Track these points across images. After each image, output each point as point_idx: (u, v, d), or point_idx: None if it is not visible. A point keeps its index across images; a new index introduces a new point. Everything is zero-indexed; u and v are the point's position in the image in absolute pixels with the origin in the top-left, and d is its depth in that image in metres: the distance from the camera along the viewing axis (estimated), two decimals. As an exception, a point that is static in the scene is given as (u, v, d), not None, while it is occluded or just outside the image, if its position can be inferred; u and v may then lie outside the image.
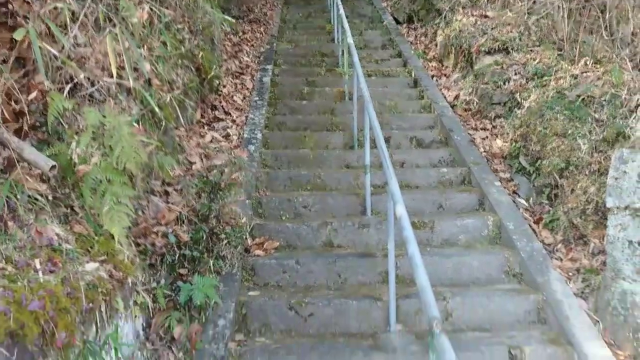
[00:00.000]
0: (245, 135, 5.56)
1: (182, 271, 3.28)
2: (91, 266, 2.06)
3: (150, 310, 2.91)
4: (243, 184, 4.59)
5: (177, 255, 3.25)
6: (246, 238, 4.04)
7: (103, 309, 2.07)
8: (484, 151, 5.34)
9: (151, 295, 3.00)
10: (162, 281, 3.16)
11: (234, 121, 5.88)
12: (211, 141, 5.27)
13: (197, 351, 3.08)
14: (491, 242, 4.27)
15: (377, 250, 4.06)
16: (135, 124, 3.54)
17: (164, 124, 4.38)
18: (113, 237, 2.30)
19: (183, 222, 3.37)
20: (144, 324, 2.78)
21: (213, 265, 3.50)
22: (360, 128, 5.66)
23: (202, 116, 5.84)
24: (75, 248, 2.03)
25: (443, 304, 3.50)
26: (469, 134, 5.74)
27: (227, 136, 5.49)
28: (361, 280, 3.85)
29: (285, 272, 3.84)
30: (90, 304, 1.94)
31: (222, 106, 6.08)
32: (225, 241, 3.68)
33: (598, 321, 3.33)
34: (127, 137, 2.21)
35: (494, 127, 5.72)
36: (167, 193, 3.47)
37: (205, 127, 5.56)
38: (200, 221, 3.42)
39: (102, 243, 2.24)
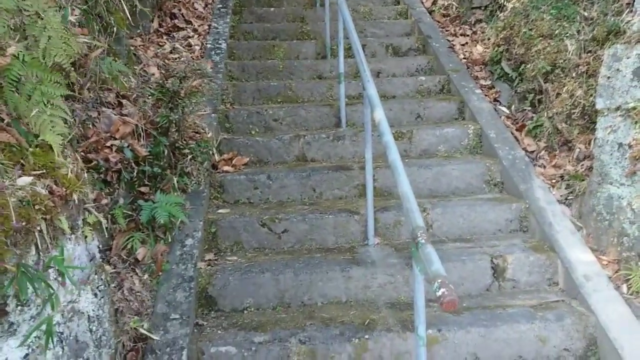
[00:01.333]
0: (209, 45, 5.09)
1: (143, 189, 2.98)
2: (24, 180, 1.75)
3: (107, 231, 2.64)
4: (207, 94, 4.22)
5: (136, 172, 2.93)
6: (213, 154, 3.74)
7: (43, 228, 1.78)
8: (464, 58, 5.01)
9: (109, 216, 2.72)
10: (121, 200, 2.86)
11: (195, 30, 5.36)
12: (171, 52, 4.79)
13: (164, 272, 2.85)
14: (471, 151, 4.05)
15: (353, 163, 3.81)
16: (77, 26, 3.09)
17: (115, 30, 3.90)
18: (52, 149, 1.97)
19: (140, 135, 3.02)
20: (101, 246, 2.51)
21: (177, 182, 3.21)
22: (333, 36, 5.25)
23: (160, 25, 5.30)
24: (1, 160, 1.70)
25: (423, 215, 3.31)
26: (447, 40, 5.37)
27: (188, 46, 5.00)
28: (337, 194, 3.63)
29: (256, 189, 3.58)
30: (24, 223, 1.64)
31: (182, 14, 5.52)
32: (189, 157, 3.37)
33: (581, 227, 3.21)
34: (56, 26, 1.82)
35: (474, 32, 5.36)
36: (120, 105, 3.08)
37: (164, 37, 5.05)
38: (159, 134, 3.08)
39: (39, 155, 1.91)
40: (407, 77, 4.96)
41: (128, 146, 2.83)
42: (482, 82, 4.64)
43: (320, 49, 5.29)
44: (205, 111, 4.09)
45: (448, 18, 5.82)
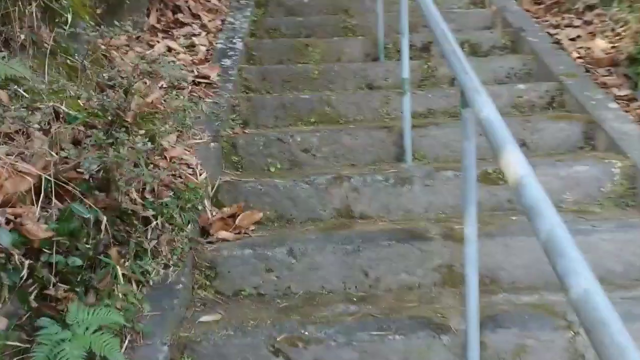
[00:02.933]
0: (219, 45, 3.71)
1: (51, 294, 1.60)
2: None
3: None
4: (205, 113, 2.83)
5: (40, 264, 1.56)
6: (205, 209, 2.33)
7: None
8: (579, 57, 3.44)
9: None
10: (2, 324, 1.48)
11: (204, 26, 3.99)
12: (165, 53, 3.44)
13: None
14: (619, 203, 2.48)
15: (429, 225, 2.30)
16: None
17: (68, 19, 2.57)
18: None
19: (51, 193, 1.65)
20: None
21: (130, 270, 1.82)
22: (387, 32, 3.80)
23: (159, 20, 3.97)
24: None
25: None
26: (548, 33, 3.82)
27: (191, 47, 3.64)
28: (404, 282, 2.14)
29: (270, 271, 2.13)
30: None
31: (189, 6, 4.18)
32: (157, 221, 1.97)
33: None
34: None
35: (586, 22, 3.78)
36: (13, 139, 1.72)
37: (161, 35, 3.71)
38: (90, 191, 1.69)
39: None
40: (495, 84, 3.43)
41: (9, 222, 1.44)
42: (616, 91, 3.05)
43: (369, 49, 3.83)
44: (200, 138, 2.70)
45: (542, 6, 4.25)
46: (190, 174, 2.37)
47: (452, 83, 3.50)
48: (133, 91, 1.87)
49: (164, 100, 2.20)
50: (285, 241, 2.18)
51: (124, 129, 1.78)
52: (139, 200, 1.88)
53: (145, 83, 2.16)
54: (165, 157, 2.34)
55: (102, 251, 1.72)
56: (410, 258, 2.13)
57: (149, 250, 1.90)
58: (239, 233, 2.30)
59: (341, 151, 2.81)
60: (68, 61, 2.63)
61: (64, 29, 2.49)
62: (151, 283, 1.90)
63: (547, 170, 2.52)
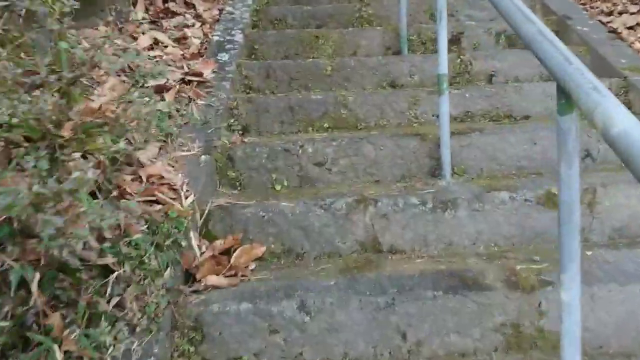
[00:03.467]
0: (216, 38, 3.17)
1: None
2: None
3: None
4: (196, 117, 2.31)
5: None
6: (189, 244, 1.79)
7: None
8: (643, 48, 2.89)
9: None
10: None
11: (198, 16, 3.45)
12: (151, 47, 2.91)
13: None
14: None
15: (484, 265, 1.77)
16: None
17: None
18: None
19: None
20: None
21: (79, 344, 1.29)
22: (415, 21, 3.27)
23: (147, 10, 3.44)
24: None
25: None
26: (600, 22, 3.25)
27: (182, 39, 3.10)
28: (456, 347, 1.61)
29: (275, 332, 1.60)
30: None
31: (182, -5, 3.65)
32: (121, 270, 1.44)
33: None
34: None
35: (645, 7, 3.22)
36: None
37: (147, 26, 3.18)
38: (12, 237, 1.17)
39: None
40: (542, 81, 2.88)
41: None
42: (697, 88, 2.51)
43: (390, 41, 3.28)
44: (188, 150, 2.16)
45: (587, -10, 3.70)
46: (172, 198, 1.83)
47: (490, 80, 2.95)
48: (74, 93, 1.34)
49: (124, 105, 1.65)
50: (296, 290, 1.64)
51: (60, 146, 1.25)
52: (93, 243, 1.34)
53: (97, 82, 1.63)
54: (140, 177, 1.80)
55: (32, 322, 1.19)
56: (462, 314, 1.59)
57: (106, 313, 1.37)
58: (234, 275, 1.76)
59: (362, 165, 2.26)
60: (22, 54, 2.11)
61: (19, 14, 1.97)
62: (110, 357, 1.36)
63: (628, 190, 1.96)
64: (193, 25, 3.30)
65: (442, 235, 1.93)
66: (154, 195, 1.75)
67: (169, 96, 2.30)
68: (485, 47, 3.25)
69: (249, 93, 2.85)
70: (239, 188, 2.21)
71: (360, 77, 2.92)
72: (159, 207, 1.73)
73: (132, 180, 1.74)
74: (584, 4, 3.52)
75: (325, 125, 2.59)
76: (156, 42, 2.93)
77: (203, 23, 3.35)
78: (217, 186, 2.18)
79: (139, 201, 1.62)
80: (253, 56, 3.22)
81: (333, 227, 1.93)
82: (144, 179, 1.81)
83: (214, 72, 2.75)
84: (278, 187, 2.21)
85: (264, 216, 1.93)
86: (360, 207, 1.95)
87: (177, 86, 2.49)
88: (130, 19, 3.20)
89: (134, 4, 3.39)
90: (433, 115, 2.59)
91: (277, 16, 3.60)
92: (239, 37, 3.17)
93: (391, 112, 2.62)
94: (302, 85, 2.92)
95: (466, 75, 2.95)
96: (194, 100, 2.48)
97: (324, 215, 1.93)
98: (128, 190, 1.61)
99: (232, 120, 2.55)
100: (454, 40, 3.27)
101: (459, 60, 2.96)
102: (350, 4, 3.65)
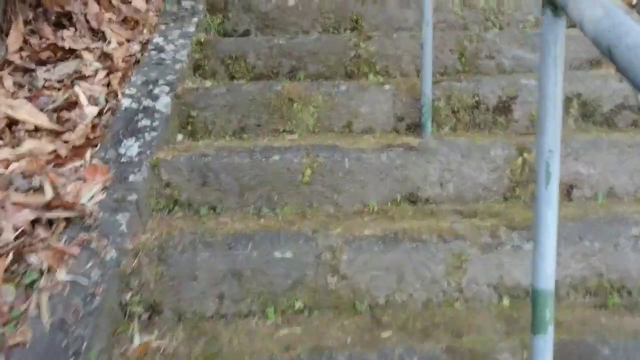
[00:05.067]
0: (125, 104, 1.92)
1: None
2: None
3: None
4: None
5: None
6: None
7: None
8: None
9: None
10: None
11: (106, 56, 2.18)
12: (2, 131, 1.68)
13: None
14: None
15: None
16: None
17: None
18: None
19: None
20: None
21: None
22: (437, 66, 2.10)
23: (28, 43, 2.16)
24: None
25: None
26: None
27: (65, 109, 1.87)
28: None
29: None
30: None
31: (86, 17, 2.35)
32: None
33: None
34: None
35: None
36: None
37: (9, 80, 1.92)
38: None
39: None
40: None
41: None
42: None
43: (404, 107, 2.08)
44: None
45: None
46: None
47: (568, 194, 1.80)
48: None
49: None
50: None
51: None
52: None
53: None
54: None
55: None
56: None
57: None
58: None
59: None
60: None
61: None
62: None
63: None
64: (93, 75, 2.05)
65: None
66: None
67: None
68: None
69: (164, 233, 1.65)
70: None
71: (360, 186, 1.75)
72: None
73: None
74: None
75: (297, 305, 1.42)
76: (10, 122, 1.70)
77: (111, 70, 2.09)
78: None
79: None
80: (186, 136, 2.00)
81: None
82: None
83: (105, 189, 1.54)
84: None
85: None
86: None
87: (9, 245, 1.29)
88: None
89: (6, 33, 2.13)
90: (488, 286, 1.45)
91: (233, 53, 2.35)
92: (164, 101, 1.94)
93: (415, 279, 1.46)
94: (262, 197, 1.73)
95: (531, 185, 1.79)
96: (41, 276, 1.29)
97: None
98: None
99: (128, 297, 1.37)
100: (501, 109, 2.09)
101: (520, 158, 1.79)
102: (343, 36, 2.42)
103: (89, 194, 1.49)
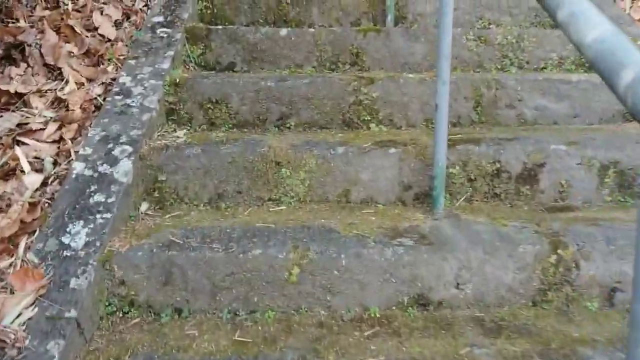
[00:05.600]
0: (77, 169, 1.58)
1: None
2: None
3: None
4: None
5: None
6: None
7: None
8: None
9: None
10: None
11: (59, 102, 1.84)
12: None
13: None
14: None
15: None
16: None
17: None
18: None
19: None
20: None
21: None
22: (456, 115, 1.77)
23: (-34, 85, 1.80)
24: None
25: None
26: None
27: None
28: None
29: None
30: None
31: (41, 48, 2.00)
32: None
33: None
34: None
35: None
36: None
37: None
38: None
39: None
40: None
41: None
42: None
43: (412, 173, 1.74)
44: None
45: None
46: None
47: (610, 299, 1.49)
48: None
49: None
50: None
51: None
52: None
53: None
54: None
55: None
56: None
57: None
58: None
59: None
60: None
61: None
62: None
63: None
64: (42, 127, 1.70)
65: None
66: None
67: None
68: (583, 195, 1.77)
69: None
70: None
71: (359, 287, 1.42)
72: None
73: None
74: None
75: None
76: None
77: (63, 123, 1.74)
78: None
79: None
80: (153, 204, 1.67)
81: None
82: None
83: (37, 301, 1.21)
84: None
85: None
86: None
87: None
88: None
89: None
90: None
91: (213, 96, 2.00)
92: (124, 166, 1.60)
93: None
94: (239, 299, 1.41)
95: (566, 287, 1.47)
96: None
97: None
98: None
99: None
100: (525, 177, 1.77)
101: (554, 255, 1.47)
102: (342, 78, 2.07)
103: (15, 310, 1.16)
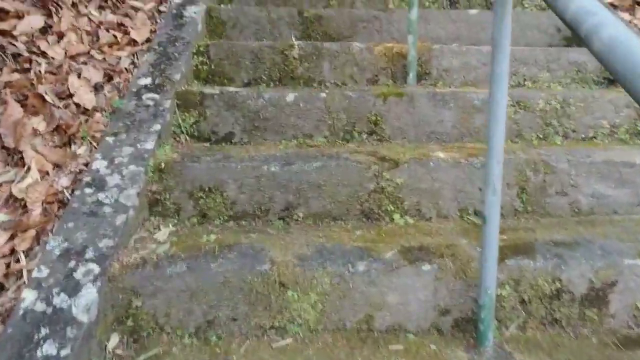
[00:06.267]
0: (24, 305, 1.25)
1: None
2: None
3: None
4: None
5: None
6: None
7: None
8: None
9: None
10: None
11: (17, 200, 1.52)
12: None
13: None
14: None
15: None
16: None
17: None
18: None
19: None
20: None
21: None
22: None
23: None
24: None
25: None
26: None
27: None
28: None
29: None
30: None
31: (1, 131, 1.67)
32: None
33: None
34: None
35: None
36: None
37: None
38: None
39: None
40: None
41: None
42: None
43: (450, 294, 1.37)
44: None
45: None
46: None
47: None
48: None
49: None
50: None
51: None
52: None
53: None
54: None
55: None
56: None
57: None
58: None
59: None
60: None
61: None
62: None
63: None
64: (-11, 240, 1.35)
65: None
66: None
67: None
68: None
69: None
70: None
71: None
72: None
73: None
74: None
75: None
76: None
77: (16, 231, 1.39)
78: None
79: None
80: (125, 335, 1.31)
81: None
82: None
83: None
84: None
85: None
86: None
87: None
88: None
89: None
90: None
91: (206, 183, 1.66)
92: (88, 295, 1.24)
93: None
94: None
95: None
96: None
97: None
98: None
99: None
100: (592, 299, 1.40)
101: None
102: (360, 160, 1.72)
103: None
